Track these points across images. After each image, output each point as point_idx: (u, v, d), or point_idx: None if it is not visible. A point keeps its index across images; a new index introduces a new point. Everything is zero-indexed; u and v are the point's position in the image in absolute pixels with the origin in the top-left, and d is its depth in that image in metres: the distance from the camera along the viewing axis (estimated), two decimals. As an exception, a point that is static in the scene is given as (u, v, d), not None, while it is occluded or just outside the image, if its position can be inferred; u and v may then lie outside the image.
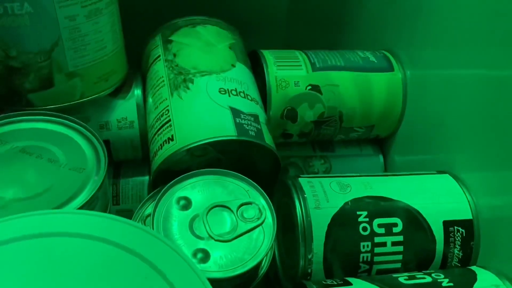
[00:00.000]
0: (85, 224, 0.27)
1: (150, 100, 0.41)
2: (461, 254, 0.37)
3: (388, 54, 0.48)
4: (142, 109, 0.42)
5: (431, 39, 0.44)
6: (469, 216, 0.37)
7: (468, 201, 0.38)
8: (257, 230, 0.33)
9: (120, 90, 0.42)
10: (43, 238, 0.27)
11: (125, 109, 0.42)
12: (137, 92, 0.43)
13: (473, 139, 0.39)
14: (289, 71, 0.44)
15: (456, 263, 0.37)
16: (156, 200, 0.33)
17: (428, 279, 0.33)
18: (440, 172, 0.41)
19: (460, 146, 0.41)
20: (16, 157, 0.34)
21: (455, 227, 0.37)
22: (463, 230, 0.37)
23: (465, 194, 0.38)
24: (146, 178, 0.45)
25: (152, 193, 0.38)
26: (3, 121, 0.36)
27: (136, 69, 0.45)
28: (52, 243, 0.27)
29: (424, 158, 0.45)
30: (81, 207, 0.31)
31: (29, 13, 0.34)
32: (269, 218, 0.34)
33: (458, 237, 0.37)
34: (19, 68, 0.36)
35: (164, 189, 0.34)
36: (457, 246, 0.37)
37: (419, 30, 0.45)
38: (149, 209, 0.37)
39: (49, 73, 0.36)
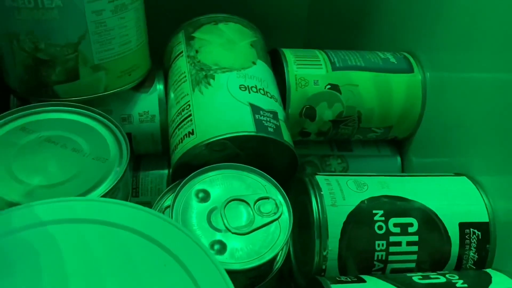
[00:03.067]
0: (107, 211, 0.28)
1: (171, 95, 0.42)
2: (476, 256, 0.37)
3: (408, 56, 0.48)
4: (164, 104, 0.43)
5: (451, 41, 0.44)
6: (486, 219, 0.37)
7: (485, 204, 0.38)
8: (273, 224, 0.33)
9: (143, 85, 0.43)
10: (67, 224, 0.28)
11: (147, 103, 0.43)
12: (159, 87, 0.43)
13: (491, 142, 0.39)
14: (309, 70, 0.44)
15: (471, 266, 0.37)
16: (176, 191, 0.34)
17: (442, 279, 0.33)
18: (458, 174, 0.41)
19: (478, 149, 0.41)
20: (41, 146, 0.35)
21: (471, 229, 0.37)
22: (479, 233, 0.37)
23: (482, 197, 0.38)
24: (165, 171, 0.46)
25: (171, 186, 0.39)
26: (29, 111, 0.37)
27: (159, 65, 0.46)
28: (75, 229, 0.28)
29: (442, 161, 0.45)
30: (103, 196, 0.32)
31: (58, 7, 0.35)
32: (286, 214, 0.34)
33: (474, 240, 0.37)
34: (47, 60, 0.37)
35: (183, 182, 0.34)
36: (472, 248, 0.37)
37: (439, 32, 0.45)
38: (168, 201, 0.38)
39: (75, 65, 0.37)
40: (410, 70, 0.47)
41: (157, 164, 0.46)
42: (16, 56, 0.37)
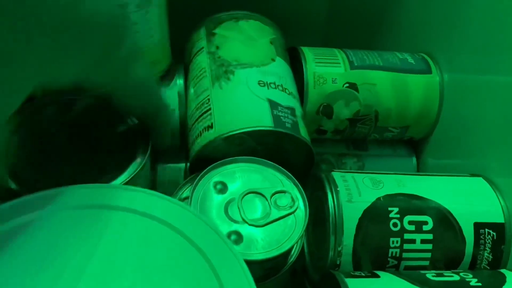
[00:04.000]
0: (128, 198, 0.29)
1: (191, 90, 0.43)
2: (491, 257, 0.37)
3: (426, 57, 0.48)
4: (183, 99, 0.44)
5: (470, 43, 0.44)
6: (501, 220, 0.37)
7: (501, 205, 0.38)
8: (289, 218, 0.34)
9: (163, 79, 0.44)
10: (88, 210, 0.28)
11: (167, 97, 0.43)
12: (180, 82, 0.44)
13: (508, 144, 0.39)
14: (327, 68, 0.45)
15: (485, 266, 0.37)
16: (195, 182, 0.34)
17: (456, 277, 0.34)
18: (474, 175, 0.41)
19: (495, 150, 0.41)
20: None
21: (486, 230, 0.37)
22: (494, 233, 0.37)
23: (498, 198, 0.39)
24: (183, 165, 0.46)
25: (189, 178, 0.39)
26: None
27: (180, 61, 0.47)
28: (96, 214, 0.28)
29: (458, 162, 0.45)
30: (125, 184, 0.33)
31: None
32: (302, 207, 0.35)
33: (489, 240, 0.37)
34: (72, 51, 0.38)
35: (202, 173, 0.35)
36: (487, 248, 0.37)
37: (458, 34, 0.45)
38: (185, 193, 0.38)
39: (99, 58, 0.38)
40: (428, 71, 0.47)
41: (175, 158, 0.47)
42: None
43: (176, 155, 0.47)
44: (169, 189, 0.45)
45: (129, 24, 0.36)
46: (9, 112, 0.26)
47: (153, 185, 0.45)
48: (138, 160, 0.34)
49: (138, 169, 0.33)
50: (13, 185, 0.31)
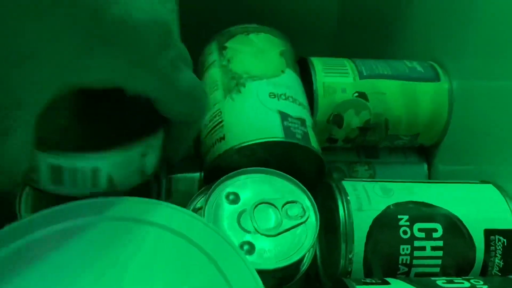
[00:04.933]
0: (142, 210, 0.30)
1: (204, 102, 0.44)
2: (502, 263, 0.38)
3: (435, 65, 0.49)
4: (196, 110, 0.45)
5: (478, 50, 0.44)
6: (512, 226, 0.38)
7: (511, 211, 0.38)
8: (300, 227, 0.35)
9: (176, 92, 0.45)
10: (102, 221, 0.30)
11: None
12: (192, 94, 0.45)
13: (518, 151, 0.39)
14: (337, 78, 0.46)
15: (497, 272, 0.38)
16: (208, 193, 0.35)
17: (466, 284, 0.34)
18: (484, 182, 0.42)
19: (506, 157, 0.41)
20: None
21: (497, 236, 0.37)
22: (505, 240, 0.37)
23: (508, 204, 0.39)
24: (197, 175, 0.47)
25: (202, 189, 0.40)
26: None
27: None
28: (109, 226, 0.29)
29: (469, 168, 0.46)
30: None
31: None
32: (312, 217, 0.35)
33: (499, 246, 0.37)
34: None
35: (215, 184, 0.36)
36: (498, 255, 0.37)
37: (466, 41, 0.46)
38: (199, 203, 0.39)
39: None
40: (437, 78, 0.48)
41: (189, 168, 0.48)
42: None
43: (191, 165, 0.48)
44: (183, 199, 0.46)
45: (175, 22, 0.32)
46: (35, 111, 0.25)
47: (167, 195, 0.47)
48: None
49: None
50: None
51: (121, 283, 0.27)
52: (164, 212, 0.30)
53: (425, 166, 0.51)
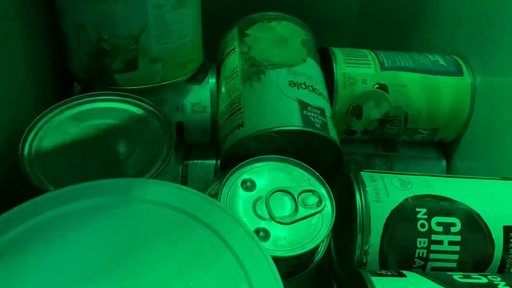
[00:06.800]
0: (159, 192, 0.30)
1: (223, 88, 0.44)
2: (520, 261, 0.37)
3: (458, 59, 0.48)
4: (215, 97, 0.45)
5: (502, 46, 0.43)
6: (532, 224, 0.37)
7: (532, 209, 0.38)
8: (316, 216, 0.34)
9: (196, 77, 0.45)
10: (120, 203, 0.30)
11: (199, 95, 0.45)
12: (212, 80, 0.45)
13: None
14: (358, 69, 0.45)
15: (515, 270, 0.37)
16: (224, 180, 0.35)
17: (483, 280, 0.33)
18: (504, 178, 0.41)
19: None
20: (93, 133, 0.37)
21: (516, 234, 0.37)
22: (524, 237, 0.37)
23: (529, 202, 0.38)
24: (213, 162, 0.47)
25: (218, 175, 0.40)
26: (82, 100, 0.39)
27: (212, 61, 0.48)
28: (127, 208, 0.29)
29: (488, 165, 0.45)
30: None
31: (123, 0, 0.37)
32: (328, 207, 0.35)
33: (519, 244, 0.37)
34: (109, 50, 0.39)
35: (231, 171, 0.36)
36: (516, 252, 0.37)
37: (491, 36, 0.45)
38: (214, 190, 0.39)
39: (135, 56, 0.40)
40: (460, 73, 0.47)
41: (206, 154, 0.48)
42: (81, 45, 0.40)
43: (207, 152, 0.48)
44: (200, 185, 0.47)
45: None
46: None
47: (184, 181, 0.47)
48: (164, 154, 0.35)
49: (164, 165, 0.34)
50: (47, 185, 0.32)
51: (138, 265, 0.27)
52: (179, 194, 0.30)
53: (444, 163, 0.51)
